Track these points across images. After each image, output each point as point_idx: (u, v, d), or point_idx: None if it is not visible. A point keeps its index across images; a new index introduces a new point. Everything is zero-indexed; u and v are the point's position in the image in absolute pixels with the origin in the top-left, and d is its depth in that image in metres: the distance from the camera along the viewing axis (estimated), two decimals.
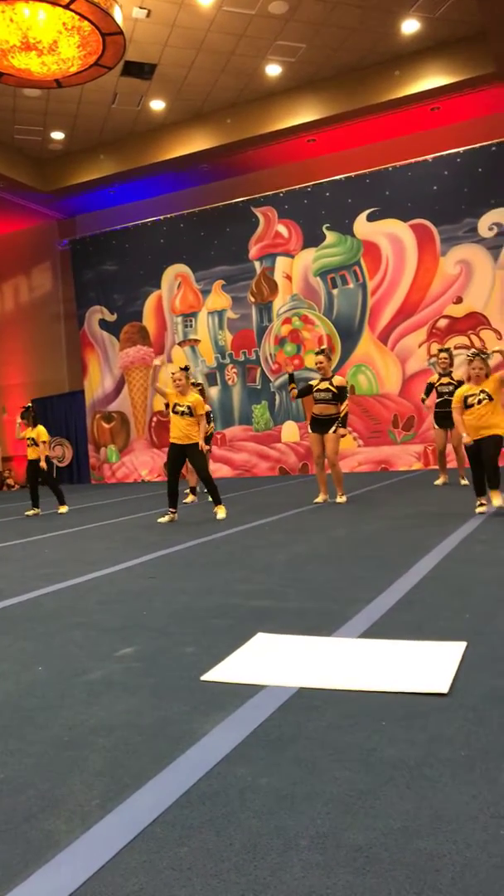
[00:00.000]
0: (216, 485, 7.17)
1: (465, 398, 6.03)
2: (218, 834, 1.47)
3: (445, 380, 8.75)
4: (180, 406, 6.99)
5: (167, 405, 7.36)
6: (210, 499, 8.92)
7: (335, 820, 1.49)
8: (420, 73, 11.71)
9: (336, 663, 2.47)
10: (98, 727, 2.06)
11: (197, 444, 6.98)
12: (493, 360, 6.89)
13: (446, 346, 9.68)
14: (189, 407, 6.96)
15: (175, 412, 7.02)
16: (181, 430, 7.00)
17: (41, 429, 9.34)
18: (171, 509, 7.14)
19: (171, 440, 7.09)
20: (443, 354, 8.90)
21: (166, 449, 7.45)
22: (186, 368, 7.31)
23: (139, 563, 4.82)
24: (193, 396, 7.08)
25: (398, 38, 11.19)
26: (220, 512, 7.01)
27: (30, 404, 9.74)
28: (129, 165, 14.22)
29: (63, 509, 9.09)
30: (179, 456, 7.13)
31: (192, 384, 8.21)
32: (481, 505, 6.13)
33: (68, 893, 1.30)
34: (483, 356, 6.08)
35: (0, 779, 1.79)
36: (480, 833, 1.41)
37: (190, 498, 9.33)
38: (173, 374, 7.16)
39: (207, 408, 7.85)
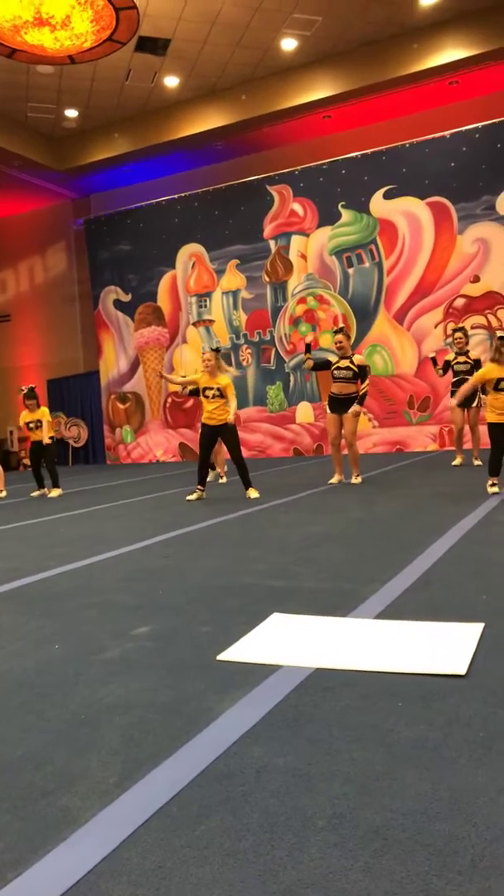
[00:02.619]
0: (247, 467, 7.10)
1: (497, 381, 5.99)
2: (235, 813, 1.46)
3: (462, 359, 8.78)
4: (210, 389, 6.93)
5: (184, 389, 7.25)
6: (221, 481, 8.91)
7: (352, 800, 1.48)
8: (439, 46, 11.47)
9: (352, 644, 2.45)
10: (114, 705, 2.07)
11: (227, 424, 6.93)
12: None
13: (461, 326, 9.68)
14: (219, 389, 6.91)
15: (205, 395, 6.96)
16: (212, 413, 6.97)
17: (45, 409, 9.13)
18: (199, 486, 7.16)
19: (203, 421, 7.05)
20: (458, 334, 8.95)
21: (181, 430, 7.39)
22: (218, 350, 7.19)
23: (155, 543, 4.83)
24: (224, 379, 6.97)
25: (417, 9, 10.96)
26: (253, 493, 6.98)
27: (32, 385, 9.38)
28: (143, 143, 14.09)
29: (55, 493, 8.94)
30: (213, 437, 7.14)
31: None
32: (493, 485, 6.08)
33: (86, 871, 1.30)
34: None
35: (18, 755, 1.79)
36: (500, 815, 1.39)
37: (222, 479, 9.17)
38: (204, 354, 7.06)
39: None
